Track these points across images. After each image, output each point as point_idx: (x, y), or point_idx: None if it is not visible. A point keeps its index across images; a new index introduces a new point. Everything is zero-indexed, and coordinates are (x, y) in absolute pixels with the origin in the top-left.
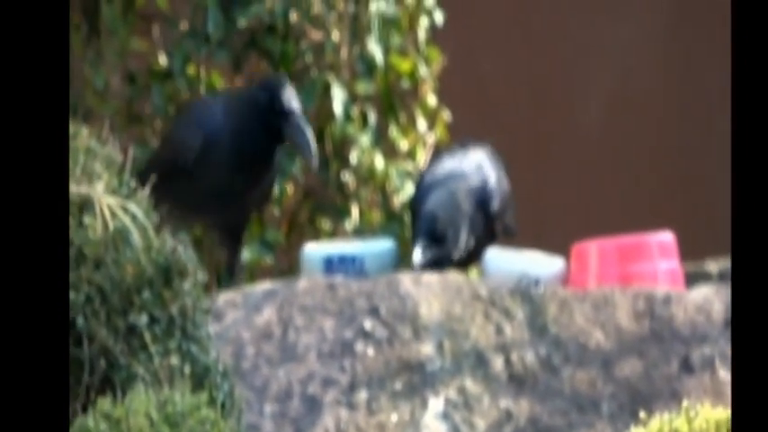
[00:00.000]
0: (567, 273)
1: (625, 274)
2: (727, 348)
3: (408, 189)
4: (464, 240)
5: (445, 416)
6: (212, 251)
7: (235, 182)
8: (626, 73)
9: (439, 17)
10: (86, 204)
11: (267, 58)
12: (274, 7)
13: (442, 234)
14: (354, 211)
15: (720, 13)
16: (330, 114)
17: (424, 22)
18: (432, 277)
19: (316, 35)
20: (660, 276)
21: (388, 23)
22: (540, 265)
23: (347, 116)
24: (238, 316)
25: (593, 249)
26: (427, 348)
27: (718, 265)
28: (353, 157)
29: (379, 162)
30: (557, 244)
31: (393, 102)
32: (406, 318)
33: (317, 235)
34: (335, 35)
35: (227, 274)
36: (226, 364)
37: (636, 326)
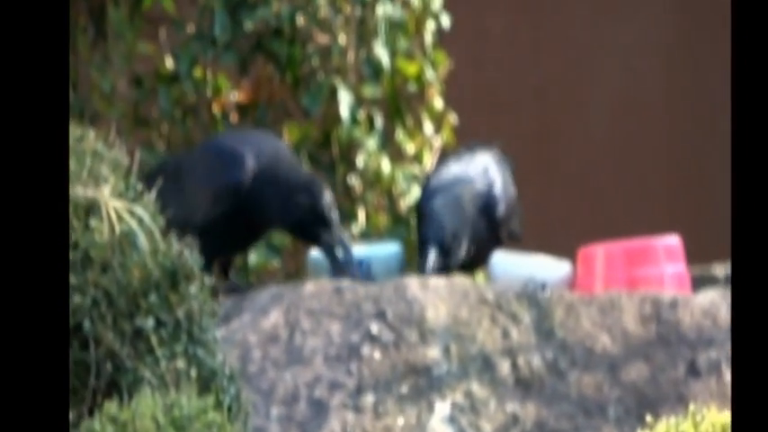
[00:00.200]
0: (574, 277)
1: (632, 278)
2: None
3: (415, 192)
4: (465, 247)
5: (452, 419)
6: None
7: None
8: (632, 76)
9: (445, 21)
10: (93, 207)
11: (274, 61)
12: (281, 11)
13: (449, 244)
14: (361, 214)
15: (725, 16)
16: (337, 118)
17: (430, 26)
18: (438, 281)
19: (322, 38)
20: (667, 280)
21: (394, 27)
22: (546, 268)
23: (354, 120)
24: (245, 319)
25: (599, 253)
26: (434, 352)
27: (725, 268)
28: (360, 160)
29: (385, 165)
30: (563, 248)
31: (399, 105)
32: (412, 321)
33: None
34: (342, 38)
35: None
36: (232, 368)
37: (642, 330)
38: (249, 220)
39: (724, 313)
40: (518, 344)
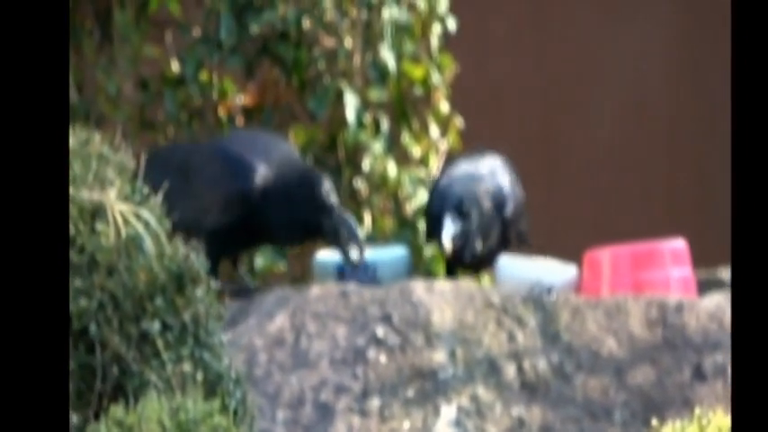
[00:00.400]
0: (580, 280)
1: (637, 282)
2: None
3: (421, 196)
4: (479, 239)
5: (458, 423)
6: None
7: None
8: (635, 79)
9: (452, 24)
10: (99, 211)
11: (280, 64)
12: (287, 14)
13: (467, 210)
14: (367, 218)
15: (728, 19)
16: (343, 121)
17: (436, 29)
18: (444, 285)
19: (328, 42)
20: (673, 284)
21: (400, 30)
22: (552, 272)
23: (360, 123)
24: (251, 323)
25: (605, 257)
26: (440, 356)
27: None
28: (366, 164)
29: (391, 169)
30: (569, 251)
31: (406, 109)
32: (418, 325)
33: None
34: (348, 42)
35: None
36: (238, 371)
37: (648, 333)
38: (257, 225)
39: (730, 317)
40: (524, 347)
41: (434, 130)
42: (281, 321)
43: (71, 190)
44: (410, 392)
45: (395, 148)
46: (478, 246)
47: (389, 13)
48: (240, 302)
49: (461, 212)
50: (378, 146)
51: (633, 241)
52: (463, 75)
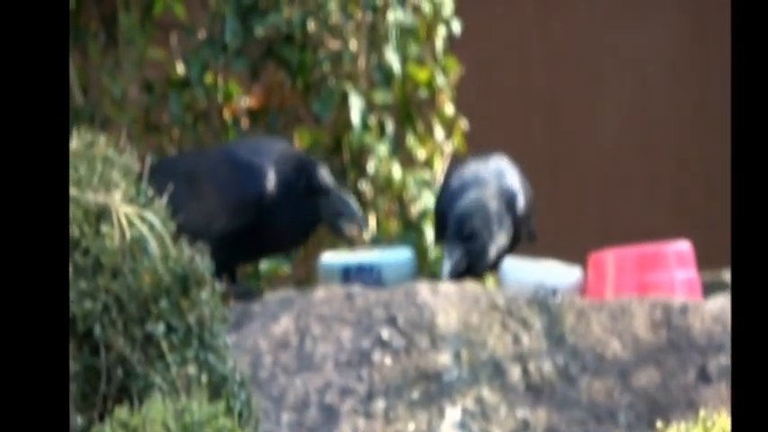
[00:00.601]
0: (585, 282)
1: (642, 284)
2: None
3: (426, 198)
4: (492, 251)
5: (462, 425)
6: None
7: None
8: (641, 83)
9: (456, 27)
10: (104, 213)
11: (285, 67)
12: (292, 16)
13: (470, 234)
14: (372, 220)
15: None
16: (347, 123)
17: (441, 32)
18: (449, 287)
19: (333, 44)
20: (677, 286)
21: (405, 33)
22: (557, 274)
23: (365, 125)
24: (256, 325)
25: (610, 259)
26: (444, 358)
27: None
28: (371, 166)
29: (396, 171)
30: (574, 253)
31: (410, 111)
32: (423, 327)
33: (334, 244)
34: (353, 44)
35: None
36: (243, 374)
37: (653, 336)
38: (265, 229)
39: None
40: (529, 350)
41: (439, 133)
42: (285, 324)
43: (76, 192)
44: (415, 394)
45: (400, 151)
46: (492, 253)
47: (394, 15)
48: (245, 305)
49: (464, 236)
50: (383, 148)
51: (638, 243)
52: (468, 77)
